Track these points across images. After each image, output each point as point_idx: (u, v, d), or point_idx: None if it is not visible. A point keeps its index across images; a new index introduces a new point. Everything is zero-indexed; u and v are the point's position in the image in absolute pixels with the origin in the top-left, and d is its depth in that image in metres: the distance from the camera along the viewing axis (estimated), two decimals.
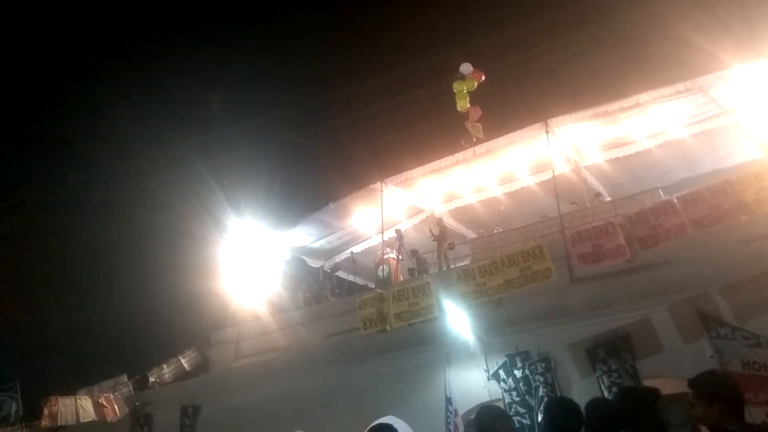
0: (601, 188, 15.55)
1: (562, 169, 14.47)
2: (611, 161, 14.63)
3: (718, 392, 3.33)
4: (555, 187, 12.63)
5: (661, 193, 12.53)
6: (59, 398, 12.80)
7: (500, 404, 9.57)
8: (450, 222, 17.32)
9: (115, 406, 13.61)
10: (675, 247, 9.60)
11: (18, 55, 32.71)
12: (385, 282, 14.86)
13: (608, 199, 15.07)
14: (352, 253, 17.73)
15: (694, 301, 8.82)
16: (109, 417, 13.38)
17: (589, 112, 12.59)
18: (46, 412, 12.50)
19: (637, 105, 12.34)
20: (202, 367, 16.07)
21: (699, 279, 9.00)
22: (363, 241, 17.65)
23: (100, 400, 13.43)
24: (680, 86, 11.87)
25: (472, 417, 9.71)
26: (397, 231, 16.17)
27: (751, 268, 8.56)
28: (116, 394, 14.16)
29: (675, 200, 9.79)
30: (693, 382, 3.45)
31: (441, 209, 16.80)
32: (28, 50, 33.91)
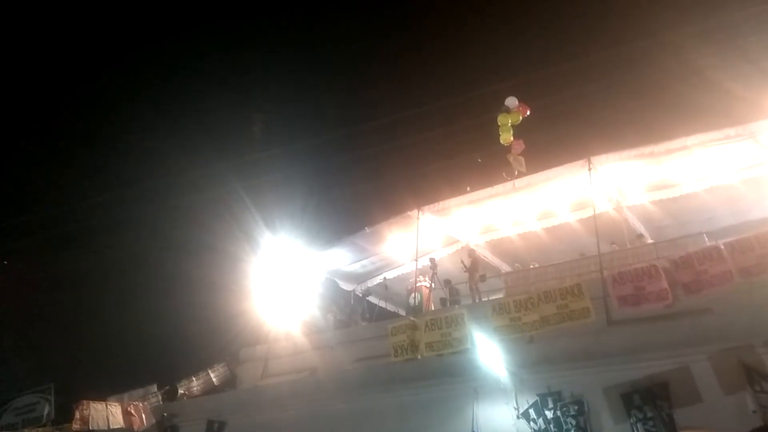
0: (643, 230, 15.24)
1: (604, 207, 14.26)
2: (655, 203, 14.37)
3: None
4: (596, 226, 12.46)
5: (706, 239, 12.20)
6: (91, 403, 13.04)
7: None
8: (485, 254, 17.20)
9: (143, 416, 13.79)
10: (719, 294, 9.33)
11: (56, 66, 34.19)
12: (416, 310, 14.80)
13: (650, 241, 14.74)
14: (384, 278, 17.74)
15: (737, 353, 8.50)
16: (136, 425, 13.55)
17: (635, 151, 12.48)
18: (77, 415, 12.73)
19: (684, 148, 12.17)
20: (229, 382, 16.20)
21: (743, 329, 8.69)
22: (396, 267, 17.65)
23: (129, 409, 13.64)
24: (730, 131, 11.71)
25: None
26: (432, 260, 16.12)
27: None
28: (145, 403, 14.35)
29: (722, 246, 9.54)
30: None
31: (477, 240, 16.70)
32: (66, 62, 35.37)
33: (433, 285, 15.91)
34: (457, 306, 14.17)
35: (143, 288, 26.40)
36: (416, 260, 15.20)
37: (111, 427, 13.05)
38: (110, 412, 13.12)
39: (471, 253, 15.77)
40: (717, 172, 13.19)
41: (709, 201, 13.91)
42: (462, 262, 15.57)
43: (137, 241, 26.16)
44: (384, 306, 18.30)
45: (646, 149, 12.33)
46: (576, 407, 9.31)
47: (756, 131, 11.59)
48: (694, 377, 8.79)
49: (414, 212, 14.86)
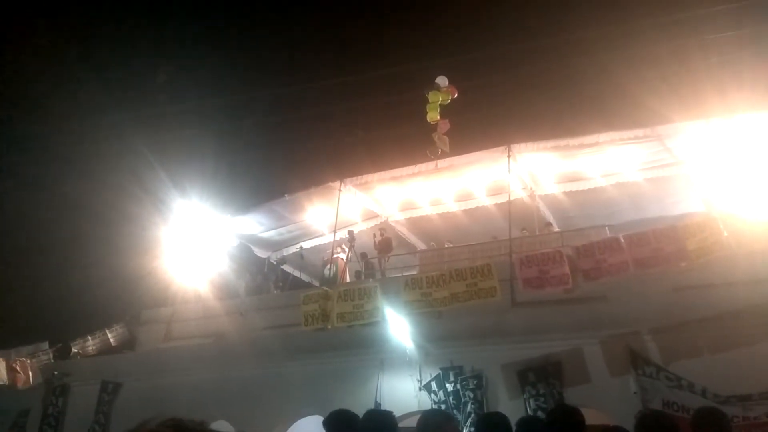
0: (552, 218, 15.95)
1: (519, 194, 14.76)
2: (565, 194, 15.03)
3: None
4: (509, 211, 12.89)
5: (608, 231, 12.97)
6: None
7: None
8: (403, 231, 17.41)
9: (30, 373, 13.01)
10: (614, 283, 9.96)
11: None
12: (330, 281, 14.75)
13: (557, 229, 15.47)
14: (301, 248, 17.55)
15: (625, 338, 9.13)
16: (21, 383, 12.80)
17: (551, 143, 12.95)
18: None
19: (596, 144, 12.77)
20: (128, 344, 15.53)
21: (632, 317, 9.32)
22: (314, 237, 17.49)
23: (14, 365, 12.81)
24: (639, 132, 12.38)
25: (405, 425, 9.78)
26: (350, 232, 16.10)
27: (682, 314, 8.92)
28: (33, 360, 13.51)
29: (621, 238, 10.16)
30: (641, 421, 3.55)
31: (397, 216, 16.86)
32: None
33: (350, 254, 15.92)
34: (371, 279, 14.30)
35: (36, 244, 24.57)
36: (335, 232, 15.11)
37: None
38: None
39: (383, 232, 15.89)
40: (624, 170, 13.93)
41: (614, 196, 14.72)
42: (374, 236, 15.67)
43: (22, 193, 24.06)
44: (299, 276, 18.14)
45: (562, 142, 12.85)
46: (475, 381, 9.67)
47: (663, 134, 12.33)
48: (585, 359, 9.36)
49: (336, 184, 14.73)
